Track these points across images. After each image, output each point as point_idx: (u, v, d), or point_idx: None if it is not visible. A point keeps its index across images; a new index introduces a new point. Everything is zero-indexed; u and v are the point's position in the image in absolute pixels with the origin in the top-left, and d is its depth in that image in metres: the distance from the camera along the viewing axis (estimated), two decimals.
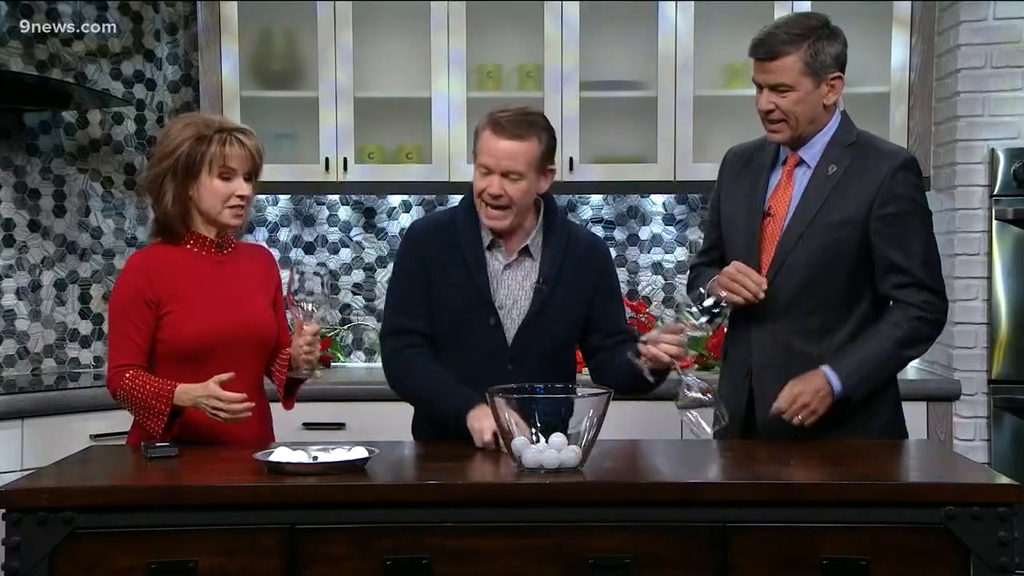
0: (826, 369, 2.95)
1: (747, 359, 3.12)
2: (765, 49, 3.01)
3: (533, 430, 2.49)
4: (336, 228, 4.95)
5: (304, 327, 2.88)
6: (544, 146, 3.01)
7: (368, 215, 4.95)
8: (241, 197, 2.92)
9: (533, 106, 3.13)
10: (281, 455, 2.53)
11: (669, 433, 4.21)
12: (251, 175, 2.96)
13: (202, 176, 2.90)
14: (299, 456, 2.53)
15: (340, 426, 4.27)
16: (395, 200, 4.93)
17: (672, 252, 4.92)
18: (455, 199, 4.88)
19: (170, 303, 2.88)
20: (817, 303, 3.02)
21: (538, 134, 2.99)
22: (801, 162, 3.09)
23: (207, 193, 2.91)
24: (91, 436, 3.98)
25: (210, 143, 2.89)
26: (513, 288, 3.05)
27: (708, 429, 2.89)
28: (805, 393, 2.92)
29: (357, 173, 4.58)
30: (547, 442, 2.48)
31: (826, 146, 3.06)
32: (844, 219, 3.00)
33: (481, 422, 2.81)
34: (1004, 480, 2.48)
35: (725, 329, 3.34)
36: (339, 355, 4.88)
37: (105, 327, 4.86)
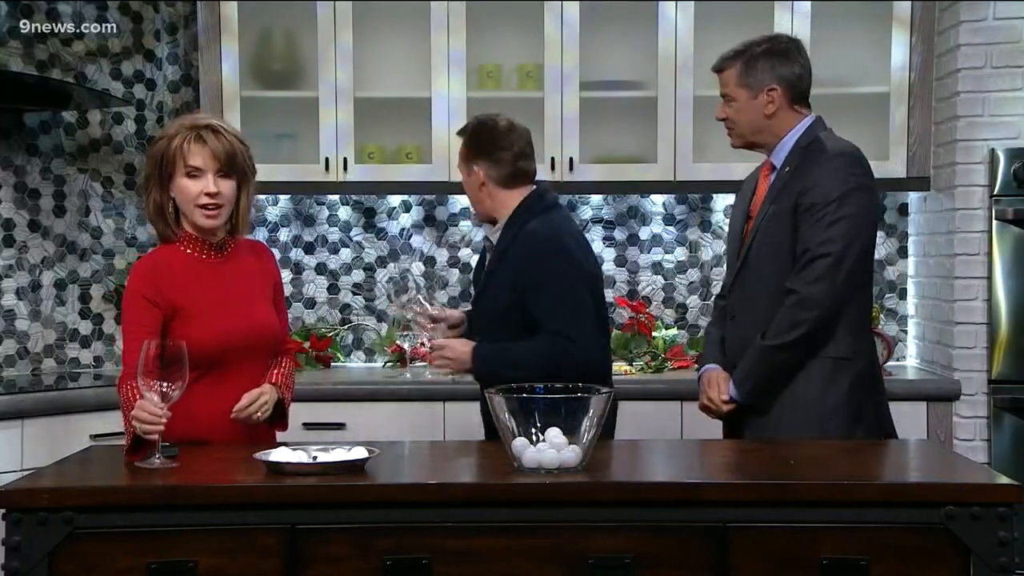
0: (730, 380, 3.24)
1: (729, 356, 3.32)
2: (716, 64, 3.35)
3: (533, 430, 2.48)
4: (336, 228, 4.95)
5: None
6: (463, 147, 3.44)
7: (368, 215, 4.94)
8: (210, 195, 2.86)
9: None
10: (281, 455, 2.53)
11: (669, 433, 4.22)
12: (225, 173, 2.88)
13: (175, 176, 2.88)
14: (299, 456, 2.52)
15: (340, 426, 4.27)
16: (395, 200, 4.93)
17: (672, 252, 4.92)
18: (454, 199, 4.89)
19: (177, 308, 2.87)
20: (769, 297, 3.17)
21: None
22: (773, 167, 3.29)
23: (179, 193, 2.89)
24: (91, 436, 3.98)
25: (177, 141, 2.87)
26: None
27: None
28: (714, 397, 3.26)
29: (357, 173, 4.58)
30: (547, 441, 2.48)
31: (790, 150, 3.25)
32: (781, 212, 3.18)
33: None
34: (1004, 480, 2.47)
35: None
36: (339, 355, 4.88)
37: (105, 327, 4.86)
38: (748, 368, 3.18)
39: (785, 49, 3.27)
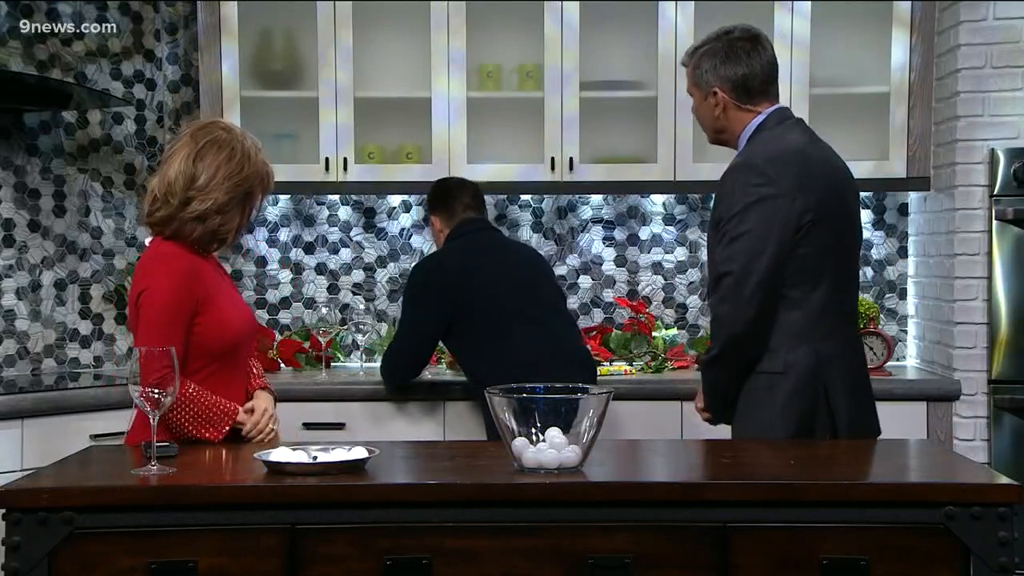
0: None
1: None
2: (681, 60, 3.33)
3: (533, 430, 2.48)
4: (336, 228, 4.95)
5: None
6: None
7: (368, 215, 4.95)
8: None
9: None
10: (281, 455, 2.53)
11: (669, 433, 4.22)
12: None
13: (256, 194, 3.01)
14: (299, 456, 2.52)
15: (340, 426, 4.28)
16: (395, 200, 4.93)
17: (672, 252, 4.92)
18: None
19: (205, 304, 2.90)
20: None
21: None
22: None
23: (250, 207, 3.02)
24: (91, 436, 3.98)
25: (268, 168, 3.02)
26: None
27: None
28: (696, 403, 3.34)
29: (357, 173, 4.58)
30: (547, 441, 2.48)
31: (742, 147, 3.20)
32: (710, 225, 3.17)
33: None
34: (1004, 480, 2.47)
35: None
36: (339, 355, 4.88)
37: (105, 327, 4.86)
38: (704, 386, 3.23)
39: (730, 47, 3.16)
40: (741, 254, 3.00)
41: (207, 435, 2.87)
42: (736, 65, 3.15)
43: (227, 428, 2.89)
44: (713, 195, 4.75)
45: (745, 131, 3.16)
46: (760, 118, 3.15)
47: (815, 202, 3.03)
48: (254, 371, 3.13)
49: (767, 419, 3.04)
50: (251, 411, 3.00)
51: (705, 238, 4.84)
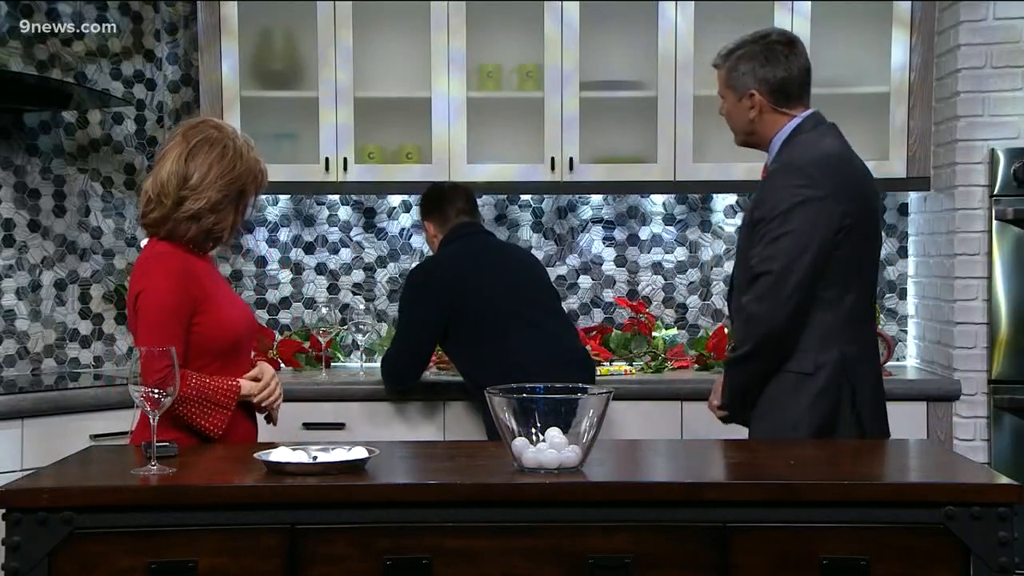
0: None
1: None
2: (713, 61, 3.32)
3: (533, 430, 2.48)
4: (336, 228, 4.95)
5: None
6: None
7: (368, 215, 4.95)
8: None
9: None
10: (281, 455, 2.53)
11: (669, 433, 4.22)
12: None
13: (249, 195, 3.01)
14: (299, 456, 2.52)
15: (340, 426, 4.27)
16: (395, 200, 4.93)
17: (672, 252, 4.92)
18: None
19: (204, 303, 2.91)
20: (740, 309, 3.17)
21: None
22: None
23: (244, 206, 3.03)
24: (91, 436, 3.98)
25: (264, 169, 3.02)
26: None
27: None
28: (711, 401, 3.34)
29: (357, 173, 4.58)
30: (547, 441, 2.48)
31: (775, 154, 3.20)
32: (744, 225, 3.19)
33: None
34: (1004, 480, 2.47)
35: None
36: (339, 355, 4.88)
37: (105, 327, 4.86)
38: (722, 379, 3.23)
39: (768, 50, 3.19)
40: (783, 254, 3.02)
41: (216, 421, 2.88)
42: (775, 67, 3.18)
43: (234, 403, 2.91)
44: (713, 194, 4.81)
45: (779, 134, 3.19)
46: (796, 121, 3.19)
47: (854, 207, 3.08)
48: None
49: (791, 419, 3.06)
50: (257, 380, 3.01)
51: (704, 238, 4.87)
